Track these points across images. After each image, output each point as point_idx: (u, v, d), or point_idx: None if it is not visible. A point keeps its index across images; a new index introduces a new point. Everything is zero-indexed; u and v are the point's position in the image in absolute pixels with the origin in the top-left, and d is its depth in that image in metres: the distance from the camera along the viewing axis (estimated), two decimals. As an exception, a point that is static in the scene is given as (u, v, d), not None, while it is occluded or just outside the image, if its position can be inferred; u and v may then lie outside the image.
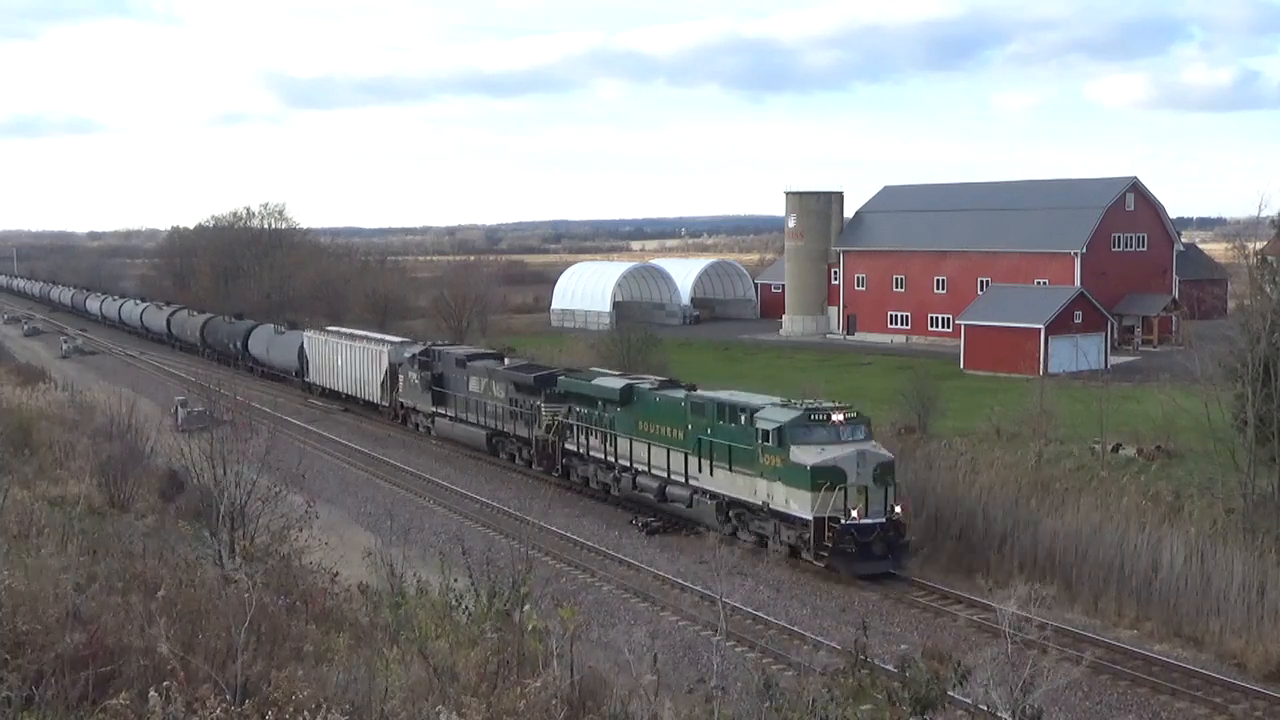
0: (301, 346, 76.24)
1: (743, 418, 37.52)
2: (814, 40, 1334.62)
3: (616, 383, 45.12)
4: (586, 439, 46.06)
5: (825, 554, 34.35)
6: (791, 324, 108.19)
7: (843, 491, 34.40)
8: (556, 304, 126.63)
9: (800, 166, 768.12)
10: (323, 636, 19.52)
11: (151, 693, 13.96)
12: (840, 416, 36.33)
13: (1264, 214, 47.32)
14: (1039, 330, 78.60)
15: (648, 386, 44.02)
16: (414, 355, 60.81)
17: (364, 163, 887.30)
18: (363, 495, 47.88)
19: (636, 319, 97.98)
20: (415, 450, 57.45)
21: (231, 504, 26.50)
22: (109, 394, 60.89)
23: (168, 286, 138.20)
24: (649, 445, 42.12)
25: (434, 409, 58.27)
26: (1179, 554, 33.12)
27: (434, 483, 49.85)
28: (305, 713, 13.74)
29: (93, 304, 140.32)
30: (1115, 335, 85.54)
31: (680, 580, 34.85)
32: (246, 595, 17.23)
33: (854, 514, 34.29)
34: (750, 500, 37.24)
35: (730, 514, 38.47)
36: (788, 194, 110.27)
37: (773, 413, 36.60)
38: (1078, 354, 73.91)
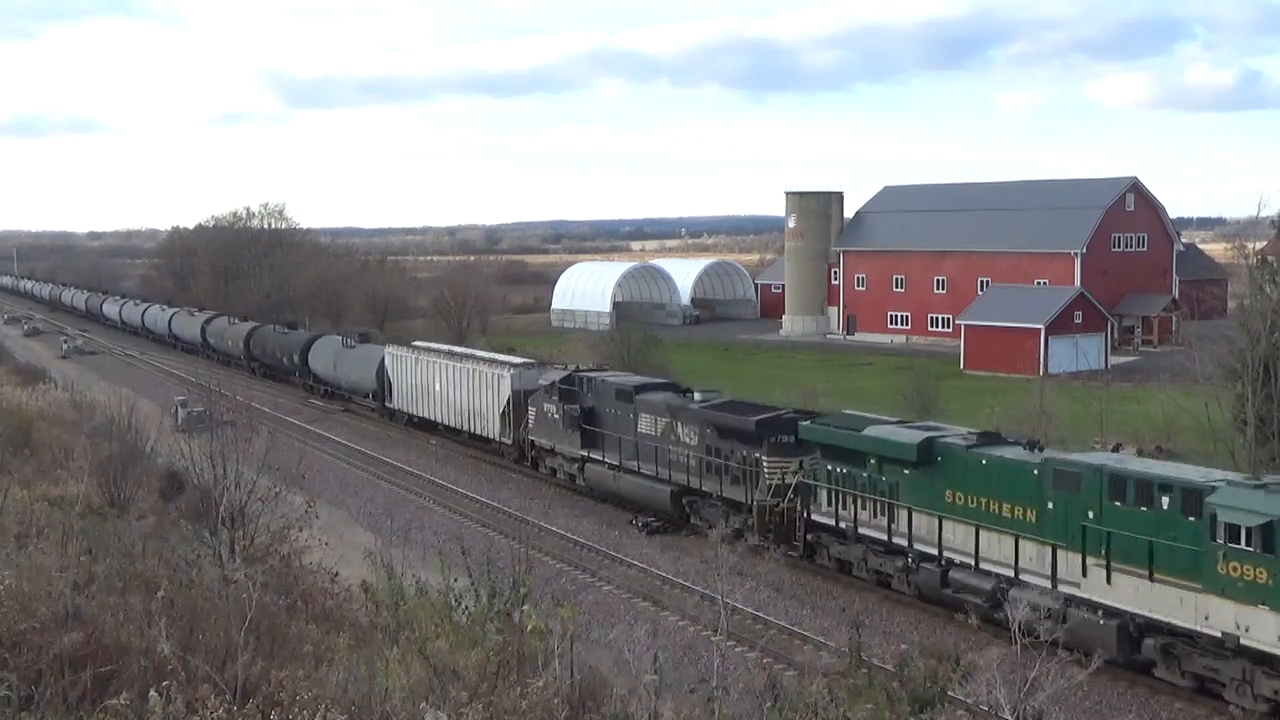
0: (381, 365, 63.84)
1: (1166, 500, 25.30)
2: (816, 40, 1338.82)
3: (908, 435, 32.18)
4: (851, 509, 33.55)
5: None
6: (791, 324, 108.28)
7: None
8: (556, 304, 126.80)
9: (801, 166, 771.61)
10: (323, 636, 19.51)
11: (152, 693, 13.94)
12: None
13: (1263, 214, 47.42)
14: (1039, 330, 78.68)
15: (960, 442, 31.01)
16: (553, 383, 47.69)
17: (364, 163, 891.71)
18: (363, 495, 47.87)
19: (636, 319, 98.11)
20: (415, 450, 57.40)
21: (231, 504, 26.48)
22: (109, 394, 60.89)
23: (168, 287, 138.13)
24: (975, 527, 29.66)
25: (583, 452, 45.18)
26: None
27: (434, 483, 49.82)
28: (306, 713, 13.72)
29: (110, 308, 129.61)
30: (1115, 335, 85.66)
31: (681, 580, 34.81)
32: (246, 595, 17.20)
33: None
34: (1191, 627, 24.96)
35: (1144, 642, 26.23)
36: (788, 194, 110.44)
37: (1241, 497, 24.14)
38: (1078, 354, 74.03)
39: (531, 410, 48.86)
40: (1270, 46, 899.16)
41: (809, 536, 35.30)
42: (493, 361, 55.36)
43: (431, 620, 19.77)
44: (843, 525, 33.99)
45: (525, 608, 19.18)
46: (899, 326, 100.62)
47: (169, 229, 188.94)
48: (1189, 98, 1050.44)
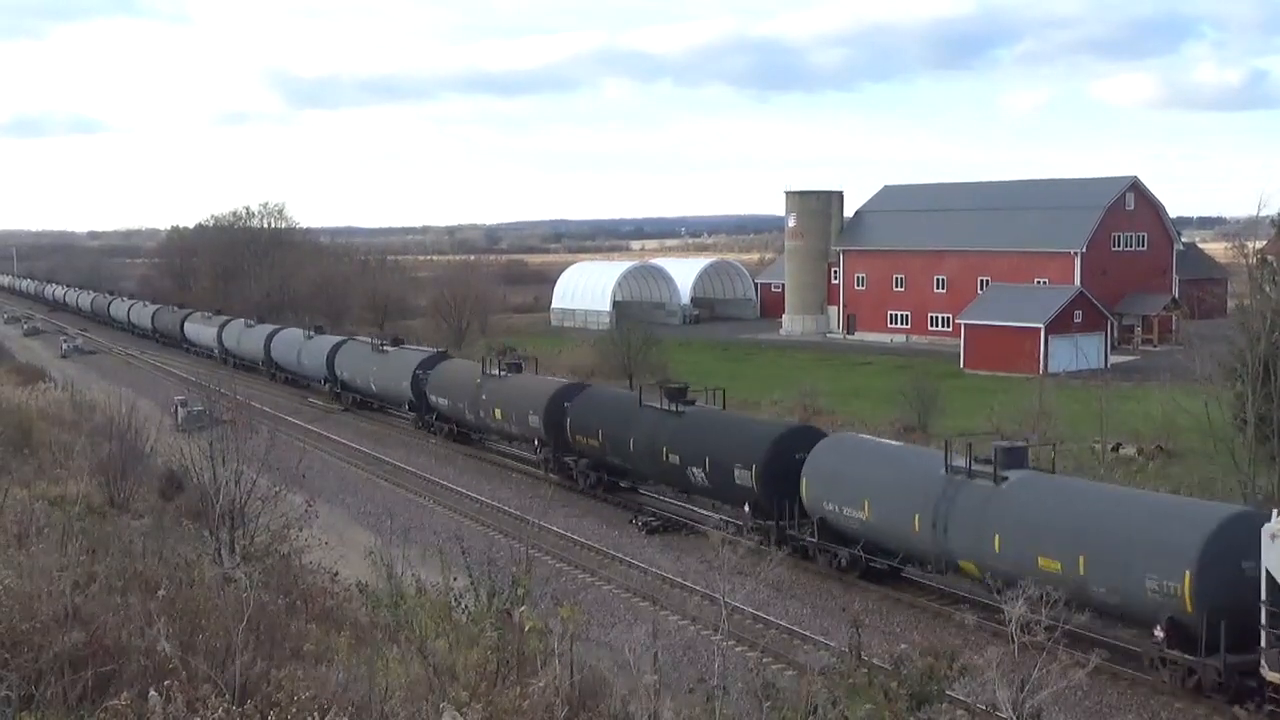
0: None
1: None
2: (821, 39, 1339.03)
3: None
4: None
5: None
6: (791, 324, 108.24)
7: None
8: (556, 304, 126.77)
9: (803, 166, 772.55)
10: (323, 636, 19.51)
11: (152, 692, 13.93)
12: None
13: (1264, 214, 47.44)
14: (1039, 330, 78.63)
15: None
16: None
17: (366, 162, 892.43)
18: (363, 495, 47.85)
19: (636, 319, 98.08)
20: (415, 450, 57.37)
21: (231, 503, 26.45)
22: (109, 394, 60.87)
23: (167, 286, 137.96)
24: None
25: None
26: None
27: (434, 482, 49.79)
28: (306, 713, 13.72)
29: (201, 330, 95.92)
30: (1115, 335, 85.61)
31: (680, 580, 34.81)
32: (246, 595, 17.20)
33: None
34: None
35: None
36: (788, 193, 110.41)
37: None
38: (1078, 353, 74.02)
39: None
40: (1278, 46, 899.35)
41: None
42: None
43: (431, 620, 19.75)
44: None
45: (523, 607, 19.17)
46: (899, 326, 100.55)
47: (169, 229, 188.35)
48: (1195, 97, 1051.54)
